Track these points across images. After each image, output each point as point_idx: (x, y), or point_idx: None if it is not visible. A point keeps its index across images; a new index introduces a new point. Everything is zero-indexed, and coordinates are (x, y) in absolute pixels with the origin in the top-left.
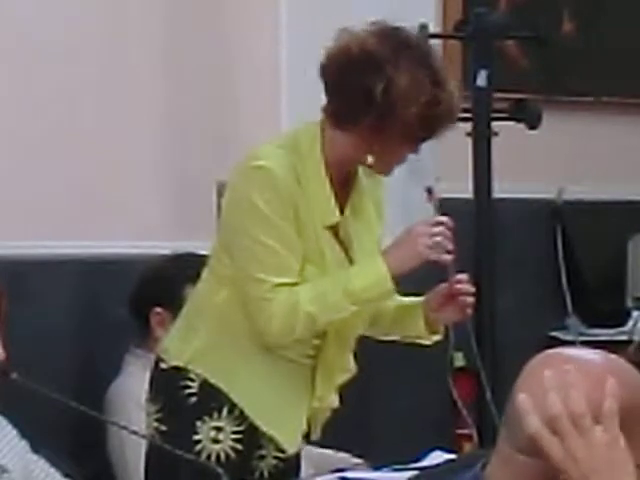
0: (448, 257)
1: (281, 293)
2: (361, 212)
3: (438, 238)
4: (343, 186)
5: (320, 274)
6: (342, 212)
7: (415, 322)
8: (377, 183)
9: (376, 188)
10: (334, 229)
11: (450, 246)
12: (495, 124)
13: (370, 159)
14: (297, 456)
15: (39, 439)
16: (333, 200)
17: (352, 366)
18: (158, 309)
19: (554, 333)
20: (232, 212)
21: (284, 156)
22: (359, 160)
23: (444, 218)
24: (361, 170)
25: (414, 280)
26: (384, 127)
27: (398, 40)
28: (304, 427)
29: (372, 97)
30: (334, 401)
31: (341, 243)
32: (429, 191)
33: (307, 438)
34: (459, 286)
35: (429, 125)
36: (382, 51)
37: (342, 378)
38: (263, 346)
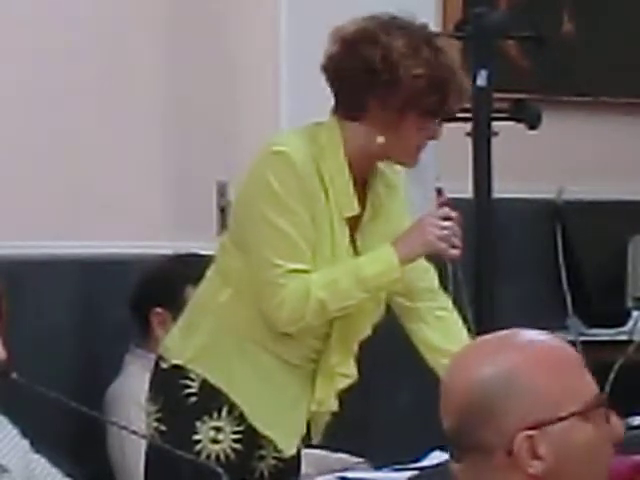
0: (456, 252)
1: (294, 279)
2: (379, 215)
3: (447, 231)
4: (362, 187)
5: (330, 266)
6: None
7: None
8: (395, 191)
9: (396, 195)
10: (350, 225)
11: (458, 242)
12: (495, 124)
13: (380, 139)
14: (297, 456)
15: (39, 439)
16: (353, 193)
17: (353, 372)
18: (159, 309)
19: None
20: (248, 195)
21: (304, 145)
22: (376, 151)
23: (453, 213)
24: (378, 177)
25: None
26: (391, 99)
27: (388, 16)
28: (303, 430)
29: (373, 68)
30: (333, 405)
31: (354, 242)
32: (439, 192)
33: (307, 441)
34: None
35: (436, 87)
36: (373, 24)
37: (343, 383)
38: (265, 347)
